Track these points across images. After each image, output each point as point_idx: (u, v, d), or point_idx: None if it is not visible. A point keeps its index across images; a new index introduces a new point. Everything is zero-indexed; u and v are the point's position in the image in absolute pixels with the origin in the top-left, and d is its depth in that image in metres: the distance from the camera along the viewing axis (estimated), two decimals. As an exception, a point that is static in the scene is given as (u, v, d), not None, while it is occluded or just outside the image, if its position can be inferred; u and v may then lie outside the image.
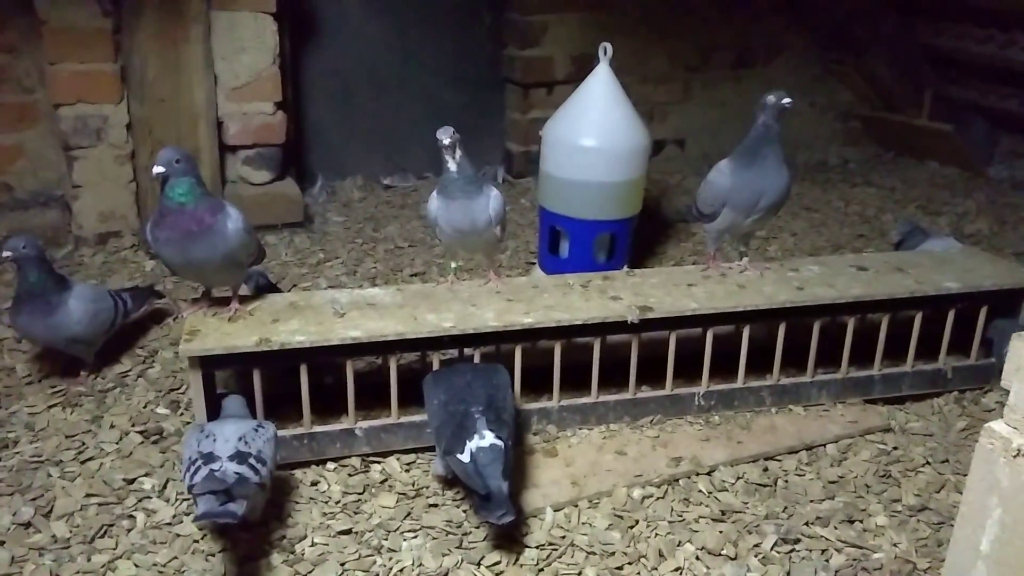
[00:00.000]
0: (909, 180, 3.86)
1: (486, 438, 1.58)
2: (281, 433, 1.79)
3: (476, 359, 1.85)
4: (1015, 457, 0.93)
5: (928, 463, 1.89)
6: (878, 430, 2.00)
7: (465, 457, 1.56)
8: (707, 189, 2.07)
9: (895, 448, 1.94)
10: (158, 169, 1.68)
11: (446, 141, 1.85)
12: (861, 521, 1.71)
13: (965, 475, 1.81)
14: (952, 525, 1.66)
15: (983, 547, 0.98)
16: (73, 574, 1.51)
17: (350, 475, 1.80)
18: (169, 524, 1.64)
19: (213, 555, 1.56)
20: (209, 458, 1.50)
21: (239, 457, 1.51)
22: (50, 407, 1.98)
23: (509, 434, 1.63)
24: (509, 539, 1.62)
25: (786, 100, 1.94)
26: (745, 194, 1.99)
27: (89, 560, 1.54)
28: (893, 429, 2.01)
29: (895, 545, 1.65)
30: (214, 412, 1.75)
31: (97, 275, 2.67)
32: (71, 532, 1.60)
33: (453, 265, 2.10)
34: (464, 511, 1.69)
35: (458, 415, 1.63)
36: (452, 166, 1.88)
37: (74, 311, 1.99)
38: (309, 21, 3.37)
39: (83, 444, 1.86)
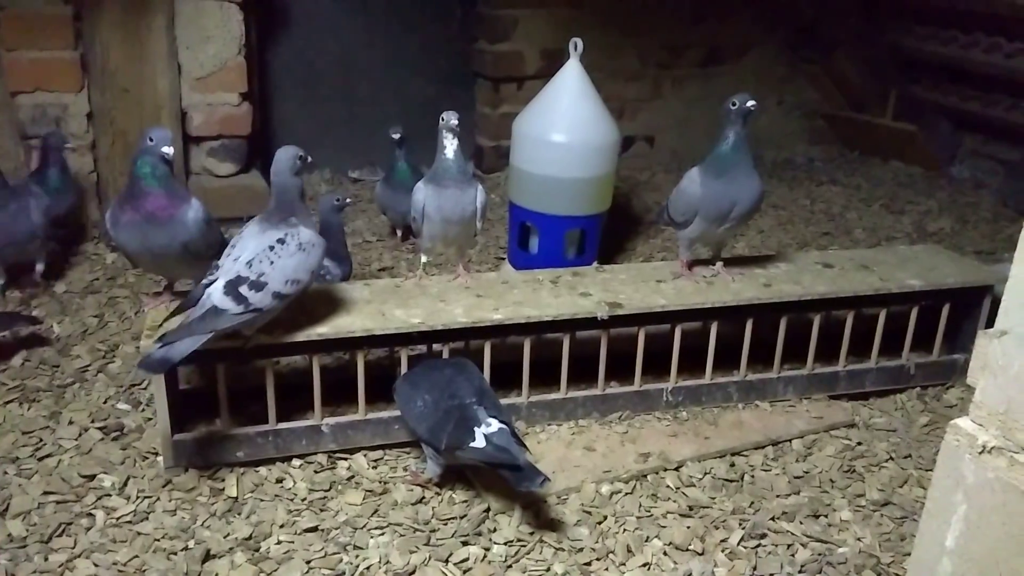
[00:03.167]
0: (873, 179, 3.91)
1: (492, 425, 1.58)
2: (246, 430, 1.76)
3: (445, 355, 1.84)
4: (980, 454, 0.94)
5: (891, 458, 1.91)
6: (842, 425, 2.02)
7: (480, 443, 1.56)
8: (679, 198, 2.04)
9: (859, 443, 1.96)
10: (168, 151, 1.71)
11: (453, 122, 1.86)
12: (826, 516, 1.73)
13: (928, 470, 1.85)
14: (915, 520, 1.69)
15: (948, 542, 0.99)
16: (30, 574, 1.47)
17: (316, 472, 1.78)
18: (130, 522, 1.60)
19: (175, 553, 1.53)
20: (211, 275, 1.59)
21: (231, 286, 1.56)
22: (6, 403, 1.93)
23: (509, 420, 1.64)
24: (477, 535, 1.61)
25: (751, 103, 1.91)
26: (717, 203, 1.95)
27: (46, 560, 1.50)
28: (857, 425, 2.04)
29: (859, 539, 1.66)
30: (176, 409, 1.72)
31: (56, 267, 2.61)
32: (28, 531, 1.56)
33: (424, 260, 2.09)
34: (433, 508, 1.68)
35: (454, 410, 1.61)
36: (450, 152, 1.89)
37: None
38: (277, 12, 3.33)
39: (40, 440, 1.81)
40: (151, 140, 1.73)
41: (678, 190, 2.04)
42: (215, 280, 1.61)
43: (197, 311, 1.58)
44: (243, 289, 1.58)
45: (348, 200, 2.35)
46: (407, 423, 1.74)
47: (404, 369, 1.81)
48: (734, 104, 1.92)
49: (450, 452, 1.61)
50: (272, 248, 1.63)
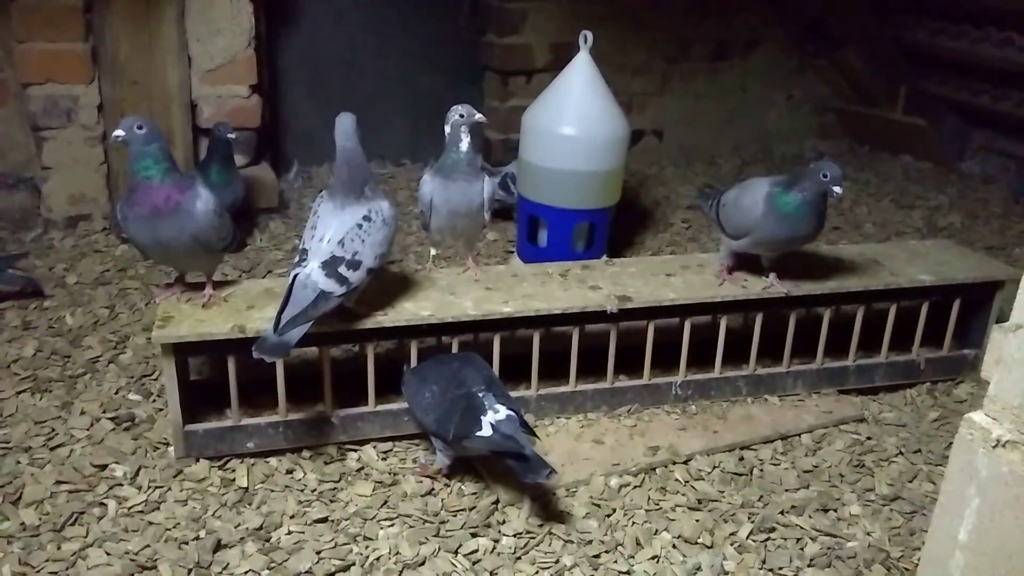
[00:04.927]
0: (883, 174, 3.90)
1: (500, 411, 1.59)
2: (256, 421, 1.77)
3: (455, 348, 1.84)
4: (994, 448, 0.93)
5: (901, 453, 1.91)
6: (852, 420, 2.02)
7: (487, 431, 1.56)
8: (737, 214, 1.91)
9: (869, 438, 1.96)
10: (118, 133, 1.66)
11: (478, 116, 1.86)
12: (835, 510, 1.73)
13: (937, 465, 1.85)
14: (924, 514, 1.69)
15: (961, 536, 0.99)
16: (42, 562, 1.48)
17: (326, 463, 1.78)
18: (141, 512, 1.61)
19: (186, 543, 1.54)
20: (302, 257, 1.61)
21: (329, 267, 1.60)
22: (19, 393, 1.94)
23: (518, 408, 1.64)
24: (486, 527, 1.61)
25: (837, 189, 1.76)
26: (773, 234, 1.87)
27: (59, 548, 1.51)
28: (867, 419, 2.04)
29: (869, 534, 1.66)
30: (187, 400, 1.72)
31: (67, 259, 2.62)
32: (40, 520, 1.57)
33: (433, 252, 2.09)
34: (442, 499, 1.69)
35: (461, 399, 1.61)
36: (464, 145, 1.90)
37: None
38: (286, 4, 3.32)
39: (53, 430, 1.82)
40: (139, 128, 1.67)
41: (738, 205, 1.91)
42: (306, 263, 1.63)
43: (301, 296, 1.60)
44: (342, 269, 1.62)
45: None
46: (415, 415, 1.74)
47: (414, 361, 1.81)
48: (827, 177, 1.77)
49: (458, 442, 1.61)
50: (360, 226, 1.67)
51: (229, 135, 2.69)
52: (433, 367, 1.73)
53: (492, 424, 1.57)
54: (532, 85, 3.58)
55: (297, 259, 1.67)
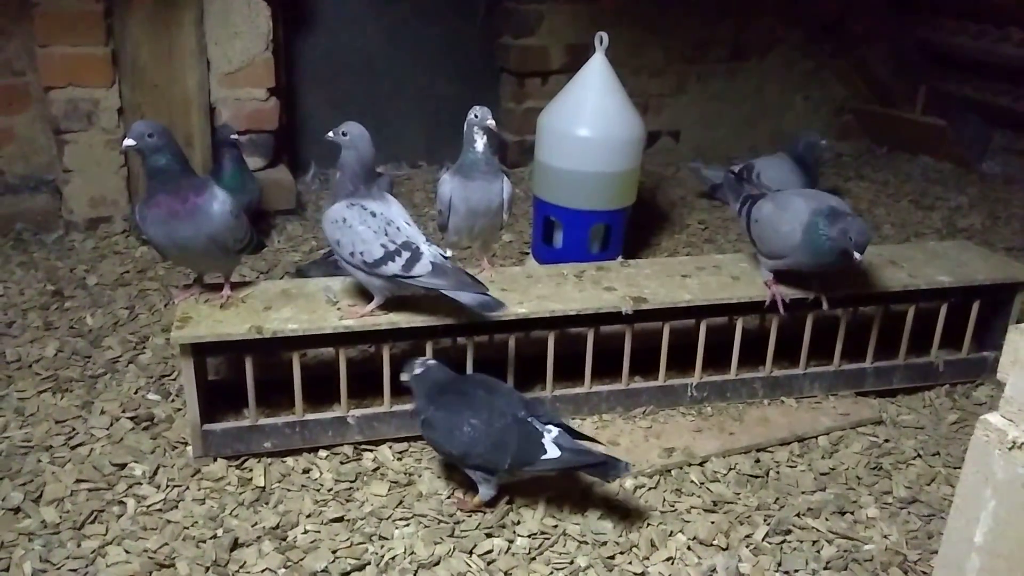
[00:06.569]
0: (902, 174, 3.87)
1: (552, 431, 1.59)
2: (273, 421, 1.79)
3: (470, 350, 1.84)
4: (1010, 449, 0.93)
5: (919, 456, 1.90)
6: (869, 422, 2.01)
7: (554, 452, 1.56)
8: (774, 236, 1.85)
9: (886, 440, 1.95)
10: (128, 142, 1.66)
11: (490, 121, 1.88)
12: (852, 513, 1.72)
13: (956, 468, 1.83)
14: (943, 517, 1.67)
15: (977, 539, 0.98)
16: (63, 559, 1.50)
17: (342, 463, 1.79)
18: (160, 510, 1.63)
19: (204, 541, 1.55)
20: (411, 250, 1.68)
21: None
22: (40, 392, 1.96)
23: (558, 419, 1.65)
24: (501, 528, 1.62)
25: (857, 256, 1.73)
26: (810, 260, 1.83)
27: (79, 546, 1.53)
28: (884, 422, 2.02)
29: (886, 537, 1.65)
30: (205, 400, 1.74)
31: (88, 260, 2.65)
32: (61, 518, 1.59)
33: (449, 254, 2.09)
34: (455, 501, 1.69)
35: (512, 428, 1.58)
36: (480, 146, 1.92)
37: None
38: (303, 7, 3.35)
39: (73, 430, 1.84)
40: (150, 136, 1.67)
41: (775, 228, 1.84)
42: (420, 246, 1.71)
43: (453, 272, 1.70)
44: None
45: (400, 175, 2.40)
46: (450, 452, 1.63)
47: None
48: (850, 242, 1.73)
49: (517, 470, 1.58)
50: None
51: (232, 136, 2.71)
52: (456, 399, 1.63)
53: (556, 444, 1.57)
54: (548, 87, 3.59)
55: (416, 250, 1.70)
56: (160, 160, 1.67)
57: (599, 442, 1.68)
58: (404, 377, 1.70)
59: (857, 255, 1.73)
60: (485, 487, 1.63)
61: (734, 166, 3.22)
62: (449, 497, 1.71)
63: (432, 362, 1.70)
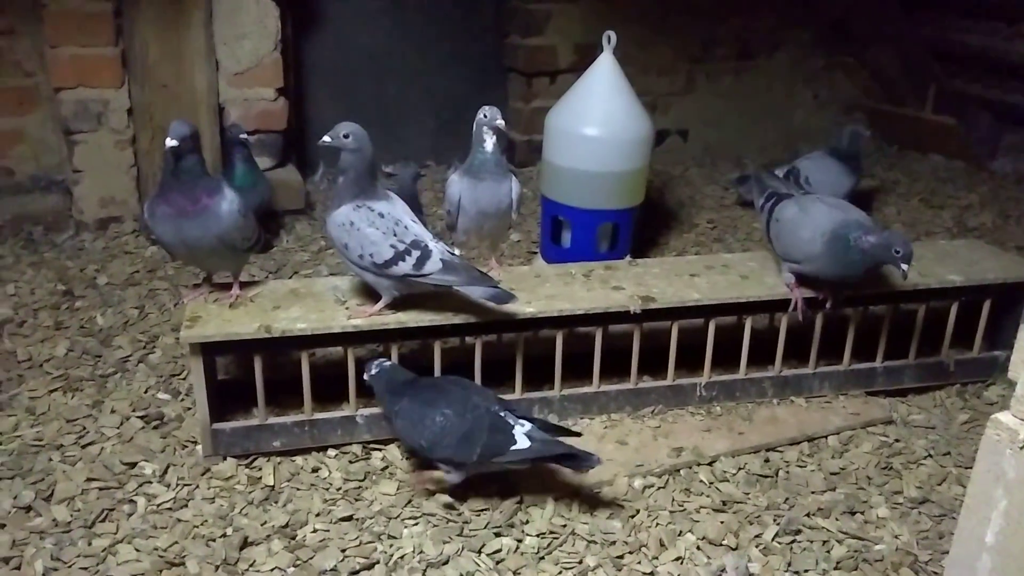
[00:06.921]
0: (913, 173, 3.85)
1: (524, 424, 1.60)
2: (282, 420, 1.79)
3: (478, 350, 1.84)
4: (1022, 449, 0.92)
5: (930, 455, 1.89)
6: (880, 422, 2.00)
7: (524, 443, 1.57)
8: (793, 240, 1.86)
9: (897, 440, 1.94)
10: (172, 143, 1.67)
11: (499, 122, 1.88)
12: (862, 513, 1.71)
13: (967, 468, 1.82)
14: (954, 518, 1.66)
15: (988, 539, 0.97)
16: (74, 558, 1.50)
17: (351, 462, 1.80)
18: (170, 509, 1.64)
19: (214, 540, 1.56)
20: (421, 248, 1.68)
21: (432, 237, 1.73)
22: (51, 391, 1.97)
23: (531, 416, 1.67)
24: (509, 527, 1.62)
25: (904, 267, 1.72)
26: (838, 270, 1.82)
27: (90, 544, 1.54)
28: (895, 421, 2.01)
29: (896, 537, 1.64)
30: (215, 399, 1.75)
31: (98, 260, 2.66)
32: (72, 516, 1.60)
33: (458, 253, 2.09)
34: (464, 499, 1.69)
35: (482, 419, 1.59)
36: (489, 146, 1.92)
37: None
38: (311, 8, 3.35)
39: (84, 428, 1.85)
40: (191, 137, 1.72)
41: (795, 233, 1.85)
42: (429, 244, 1.71)
43: (463, 268, 1.71)
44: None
45: (423, 172, 2.40)
46: (415, 442, 1.64)
47: (438, 360, 1.82)
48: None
49: (485, 461, 1.59)
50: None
51: (242, 135, 2.71)
52: (427, 392, 1.66)
53: (527, 435, 1.58)
54: (556, 86, 3.59)
55: (425, 248, 1.70)
56: (191, 161, 1.69)
57: (577, 434, 1.68)
58: (364, 377, 1.73)
59: (904, 267, 1.73)
60: (453, 473, 1.64)
61: (778, 168, 3.16)
62: (458, 497, 1.71)
63: (388, 363, 1.74)
